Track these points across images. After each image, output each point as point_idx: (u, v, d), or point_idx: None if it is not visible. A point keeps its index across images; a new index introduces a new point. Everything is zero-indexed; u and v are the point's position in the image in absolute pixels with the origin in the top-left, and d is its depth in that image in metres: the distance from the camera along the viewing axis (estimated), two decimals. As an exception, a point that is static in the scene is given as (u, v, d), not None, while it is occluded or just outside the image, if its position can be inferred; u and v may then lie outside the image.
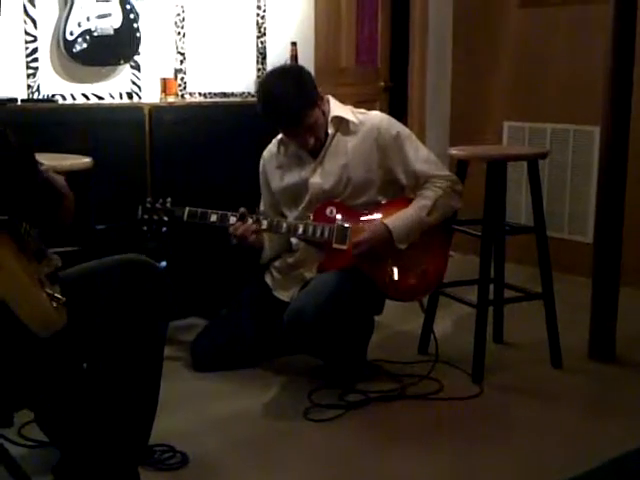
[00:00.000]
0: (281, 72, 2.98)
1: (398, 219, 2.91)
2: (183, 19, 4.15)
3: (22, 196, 1.66)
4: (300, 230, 2.95)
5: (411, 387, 2.94)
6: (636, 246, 3.94)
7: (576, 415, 2.77)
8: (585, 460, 2.37)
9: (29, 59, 3.73)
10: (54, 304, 1.60)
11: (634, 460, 2.24)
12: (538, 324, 3.25)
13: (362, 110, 3.10)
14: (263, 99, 2.95)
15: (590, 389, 3.02)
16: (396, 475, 2.35)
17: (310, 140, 2.97)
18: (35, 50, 3.73)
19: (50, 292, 1.62)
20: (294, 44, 4.38)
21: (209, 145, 3.72)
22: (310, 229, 2.94)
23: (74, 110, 3.60)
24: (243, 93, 4.34)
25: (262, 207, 3.20)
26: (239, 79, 4.36)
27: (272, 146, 3.16)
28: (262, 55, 4.44)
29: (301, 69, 3.06)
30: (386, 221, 2.91)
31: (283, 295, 3.08)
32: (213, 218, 2.93)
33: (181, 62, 4.17)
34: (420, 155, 2.99)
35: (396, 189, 3.04)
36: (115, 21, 3.81)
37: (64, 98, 3.82)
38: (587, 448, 2.48)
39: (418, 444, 2.55)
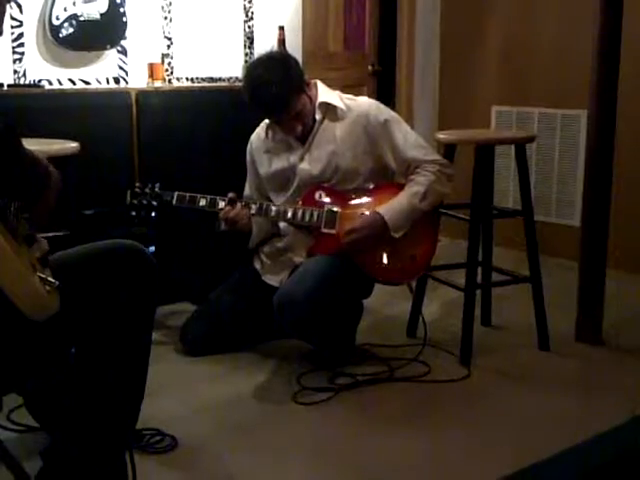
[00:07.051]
0: (266, 59, 2.94)
1: (392, 208, 2.90)
2: (170, 3, 4.13)
3: (9, 177, 1.65)
4: (289, 214, 2.95)
5: (399, 370, 2.96)
6: (623, 229, 3.97)
7: (563, 396, 2.79)
8: (573, 438, 2.38)
9: (15, 44, 3.70)
10: (47, 288, 1.60)
11: (616, 435, 2.27)
12: (526, 307, 3.27)
13: (350, 96, 3.09)
14: (248, 87, 2.92)
15: (577, 371, 3.04)
16: (385, 456, 2.37)
17: (297, 127, 2.96)
18: (21, 35, 3.71)
19: (43, 276, 1.61)
20: (282, 28, 4.36)
21: (196, 130, 3.71)
22: (299, 213, 2.94)
23: (61, 95, 3.58)
24: (230, 78, 4.33)
25: (247, 190, 3.20)
26: (226, 64, 4.35)
27: (260, 130, 3.16)
28: (250, 40, 4.43)
29: (286, 55, 3.05)
30: (380, 210, 2.90)
31: (272, 280, 3.08)
32: (202, 203, 2.93)
33: (168, 47, 4.15)
34: (409, 140, 2.99)
35: (386, 175, 3.04)
36: (101, 5, 3.79)
37: (50, 83, 3.80)
38: (574, 427, 2.50)
39: (407, 426, 2.57)
